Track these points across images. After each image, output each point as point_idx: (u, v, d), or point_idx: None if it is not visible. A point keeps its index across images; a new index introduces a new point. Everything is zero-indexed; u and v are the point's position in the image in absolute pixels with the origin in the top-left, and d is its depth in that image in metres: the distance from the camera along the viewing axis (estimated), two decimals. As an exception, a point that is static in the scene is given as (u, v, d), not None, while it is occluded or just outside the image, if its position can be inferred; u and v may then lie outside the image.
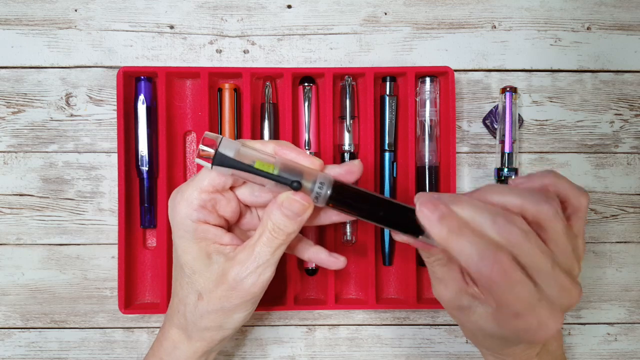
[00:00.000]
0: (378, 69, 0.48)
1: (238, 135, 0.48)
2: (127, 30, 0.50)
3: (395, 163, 0.50)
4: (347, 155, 0.49)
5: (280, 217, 0.34)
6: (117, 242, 0.48)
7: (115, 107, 0.49)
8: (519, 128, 0.51)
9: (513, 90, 0.49)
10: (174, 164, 0.49)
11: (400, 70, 0.48)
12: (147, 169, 0.48)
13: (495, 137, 0.50)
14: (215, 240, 0.36)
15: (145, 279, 0.50)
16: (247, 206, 0.38)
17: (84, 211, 0.50)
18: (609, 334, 0.51)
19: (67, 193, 0.50)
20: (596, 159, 0.51)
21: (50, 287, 0.50)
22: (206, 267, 0.36)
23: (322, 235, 0.49)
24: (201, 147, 0.33)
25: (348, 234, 0.49)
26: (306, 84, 0.49)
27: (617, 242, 0.51)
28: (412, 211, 0.32)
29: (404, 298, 0.50)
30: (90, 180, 0.50)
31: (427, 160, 0.48)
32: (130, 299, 0.48)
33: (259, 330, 0.51)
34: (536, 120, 0.51)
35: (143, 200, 0.48)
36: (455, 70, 0.50)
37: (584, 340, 0.51)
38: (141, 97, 0.48)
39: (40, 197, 0.50)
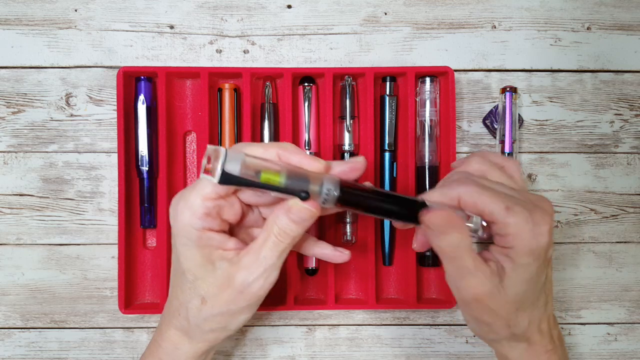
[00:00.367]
0: (378, 69, 0.48)
1: (238, 135, 0.48)
2: (127, 30, 0.50)
3: (395, 163, 0.50)
4: (347, 155, 0.49)
5: (287, 222, 0.34)
6: (117, 242, 0.48)
7: (115, 107, 0.49)
8: (519, 128, 0.51)
9: (513, 90, 0.49)
10: (174, 164, 0.49)
11: (400, 70, 0.48)
12: (147, 169, 0.48)
13: (495, 137, 0.50)
14: (219, 247, 0.36)
15: (145, 279, 0.50)
16: (250, 206, 0.38)
17: (84, 211, 0.50)
18: (609, 334, 0.51)
19: (67, 193, 0.50)
20: (596, 159, 0.51)
21: (50, 287, 0.50)
22: (209, 273, 0.36)
23: (322, 235, 0.49)
24: (205, 164, 0.32)
25: (348, 234, 0.49)
26: (306, 84, 0.49)
27: (617, 242, 0.51)
28: (419, 203, 0.35)
29: (404, 298, 0.50)
30: (90, 180, 0.50)
31: (427, 160, 0.48)
32: (130, 299, 0.48)
33: (259, 330, 0.51)
34: (536, 120, 0.51)
35: (143, 200, 0.48)
36: (455, 70, 0.50)
37: (584, 340, 0.51)
38: (141, 97, 0.48)
39: (40, 197, 0.50)
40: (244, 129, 0.48)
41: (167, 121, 0.48)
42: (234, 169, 0.32)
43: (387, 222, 0.50)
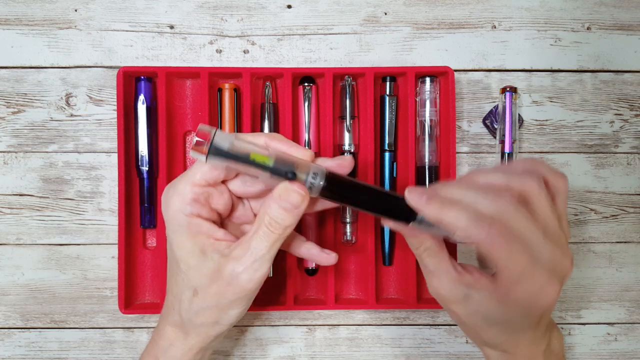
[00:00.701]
0: (378, 69, 0.48)
1: (238, 135, 0.48)
2: (127, 30, 0.50)
3: (395, 163, 0.50)
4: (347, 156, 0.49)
5: (278, 210, 0.34)
6: (117, 242, 0.48)
7: (115, 107, 0.49)
8: (519, 128, 0.51)
9: (513, 90, 0.49)
10: (174, 164, 0.49)
11: (400, 70, 0.48)
12: (147, 169, 0.48)
13: (495, 137, 0.50)
14: (210, 235, 0.36)
15: (145, 279, 0.50)
16: (239, 198, 0.38)
17: (84, 211, 0.50)
18: (609, 334, 0.51)
19: (67, 193, 0.50)
20: (596, 159, 0.51)
21: (50, 287, 0.50)
22: (201, 263, 0.36)
23: (322, 236, 0.49)
24: (196, 139, 0.33)
25: (348, 234, 0.49)
26: (306, 84, 0.49)
27: (617, 242, 0.51)
28: (403, 199, 0.34)
29: (404, 298, 0.50)
30: (90, 180, 0.50)
31: (427, 160, 0.48)
32: (130, 299, 0.48)
33: (259, 330, 0.51)
34: (536, 120, 0.51)
35: (143, 200, 0.48)
36: (455, 70, 0.50)
37: (584, 340, 0.51)
38: (141, 97, 0.48)
39: (40, 197, 0.50)
40: (244, 129, 0.48)
41: (167, 121, 0.48)
42: (223, 146, 0.33)
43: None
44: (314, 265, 0.49)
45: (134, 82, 0.48)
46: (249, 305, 0.38)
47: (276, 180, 0.34)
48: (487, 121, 0.50)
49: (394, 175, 0.50)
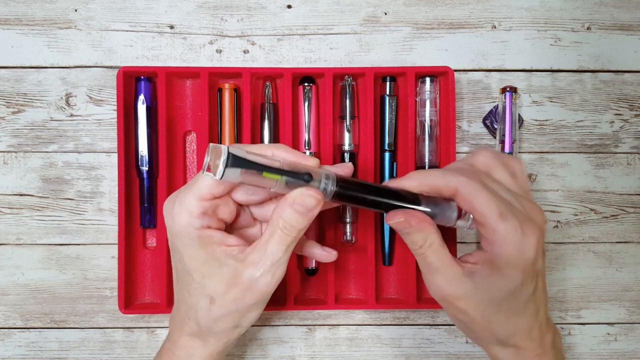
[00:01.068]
0: (378, 69, 0.48)
1: (238, 135, 0.48)
2: (127, 30, 0.50)
3: (395, 163, 0.50)
4: (347, 155, 0.49)
5: (292, 214, 0.34)
6: (117, 242, 0.48)
7: (115, 107, 0.49)
8: (519, 128, 0.51)
9: (513, 90, 0.49)
10: (174, 164, 0.49)
11: (400, 70, 0.48)
12: (147, 169, 0.48)
13: (495, 137, 0.50)
14: (222, 243, 0.36)
15: (145, 279, 0.50)
16: (241, 206, 0.39)
17: (84, 211, 0.50)
18: (609, 334, 0.51)
19: (67, 193, 0.50)
20: (596, 159, 0.51)
21: (50, 287, 0.50)
22: (216, 270, 0.36)
23: (322, 236, 0.49)
24: (208, 159, 0.32)
25: (348, 234, 0.49)
26: (306, 84, 0.49)
27: (617, 242, 0.51)
28: (412, 197, 0.36)
29: (404, 298, 0.50)
30: (90, 180, 0.50)
31: (427, 160, 0.48)
32: (130, 299, 0.48)
33: (259, 330, 0.51)
34: (536, 120, 0.51)
35: (143, 200, 0.48)
36: (455, 70, 0.50)
37: (584, 340, 0.51)
38: (141, 97, 0.48)
39: (40, 197, 0.50)
40: (244, 129, 0.48)
41: (167, 121, 0.48)
42: (237, 164, 0.33)
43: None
44: (314, 265, 0.49)
45: (134, 82, 0.48)
46: (265, 306, 0.38)
47: (290, 188, 0.34)
48: (487, 121, 0.50)
49: (394, 175, 0.50)
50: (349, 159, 0.49)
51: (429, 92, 0.49)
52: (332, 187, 0.35)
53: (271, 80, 0.49)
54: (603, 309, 0.51)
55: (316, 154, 0.49)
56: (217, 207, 0.36)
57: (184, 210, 0.35)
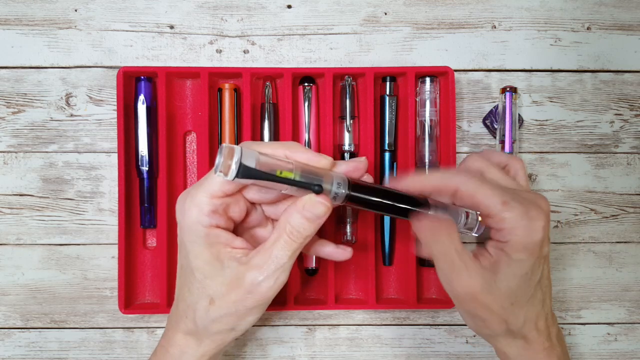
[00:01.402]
0: (378, 69, 0.48)
1: (238, 135, 0.48)
2: (127, 30, 0.50)
3: (395, 163, 0.50)
4: (347, 155, 0.49)
5: (300, 220, 0.35)
6: (117, 242, 0.48)
7: (115, 107, 0.49)
8: (519, 128, 0.51)
9: (513, 90, 0.49)
10: (174, 164, 0.49)
11: (400, 70, 0.48)
12: (147, 169, 0.48)
13: (495, 137, 0.50)
14: (227, 244, 0.36)
15: (145, 279, 0.50)
16: (253, 204, 0.38)
17: (84, 211, 0.50)
18: (609, 334, 0.51)
19: (67, 193, 0.50)
20: (596, 159, 0.51)
21: (50, 287, 0.50)
22: (219, 271, 0.36)
23: (322, 236, 0.49)
24: (221, 159, 0.32)
25: (348, 234, 0.49)
26: (306, 84, 0.49)
27: (617, 242, 0.51)
28: (422, 201, 0.37)
29: (404, 298, 0.50)
30: (90, 180, 0.50)
31: (427, 160, 0.48)
32: (130, 299, 0.48)
33: (259, 330, 0.51)
34: (536, 120, 0.51)
35: (143, 200, 0.48)
36: (455, 70, 0.50)
37: (584, 340, 0.51)
38: (141, 97, 0.48)
39: (40, 197, 0.50)
40: (244, 129, 0.48)
41: (167, 121, 0.48)
42: (250, 165, 0.32)
43: (387, 222, 0.50)
44: (314, 265, 0.49)
45: (134, 82, 0.48)
46: (264, 311, 0.38)
47: (302, 191, 0.34)
48: (487, 121, 0.50)
49: (394, 175, 0.50)
50: (350, 158, 0.49)
51: (429, 92, 0.49)
52: (344, 191, 0.35)
53: (271, 80, 0.49)
54: (603, 309, 0.51)
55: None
56: (228, 206, 0.36)
57: (194, 207, 0.35)
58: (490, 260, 0.36)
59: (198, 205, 0.35)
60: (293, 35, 0.51)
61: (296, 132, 0.49)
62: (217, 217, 0.36)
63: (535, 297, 0.37)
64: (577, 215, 0.51)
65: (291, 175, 0.33)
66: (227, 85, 0.48)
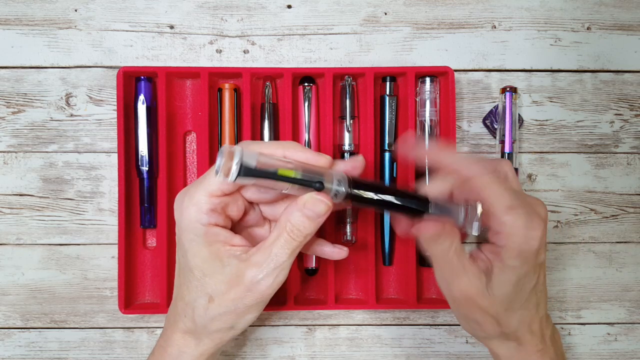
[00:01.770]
0: (378, 69, 0.48)
1: (238, 135, 0.48)
2: (127, 30, 0.50)
3: (395, 163, 0.50)
4: (347, 155, 0.49)
5: (301, 218, 0.35)
6: (117, 242, 0.48)
7: (115, 107, 0.49)
8: (519, 128, 0.51)
9: (513, 90, 0.49)
10: (174, 164, 0.49)
11: (400, 70, 0.48)
12: (147, 169, 0.48)
13: (495, 137, 0.50)
14: (226, 242, 0.36)
15: (145, 279, 0.50)
16: (251, 203, 0.39)
17: (84, 211, 0.50)
18: (609, 334, 0.51)
19: (67, 193, 0.50)
20: (596, 159, 0.51)
21: (50, 287, 0.50)
22: (218, 269, 0.36)
23: (323, 236, 0.49)
24: (221, 161, 0.32)
25: (348, 234, 0.49)
26: (306, 84, 0.49)
27: (617, 242, 0.51)
28: (422, 199, 0.37)
29: (404, 298, 0.50)
30: (90, 180, 0.50)
31: (427, 161, 0.48)
32: (130, 299, 0.48)
33: (259, 330, 0.51)
34: (536, 120, 0.51)
35: (143, 200, 0.48)
36: (455, 70, 0.50)
37: (584, 340, 0.51)
38: (141, 97, 0.48)
39: (40, 197, 0.50)
40: (244, 129, 0.48)
41: (167, 121, 0.48)
42: (250, 166, 0.32)
43: (387, 222, 0.50)
44: (314, 265, 0.49)
45: (134, 82, 0.48)
46: (262, 309, 0.38)
47: (303, 190, 0.34)
48: (487, 121, 0.50)
49: (394, 175, 0.50)
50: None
51: (429, 92, 0.49)
52: (344, 189, 0.35)
53: (271, 80, 0.49)
54: (603, 309, 0.51)
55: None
56: (227, 205, 0.36)
57: (192, 205, 0.35)
58: (486, 264, 0.37)
59: (196, 204, 0.35)
60: (293, 35, 0.51)
61: (296, 132, 0.49)
62: (215, 216, 0.36)
63: (529, 302, 0.37)
64: (577, 215, 0.51)
65: (292, 174, 0.34)
66: (227, 85, 0.48)
